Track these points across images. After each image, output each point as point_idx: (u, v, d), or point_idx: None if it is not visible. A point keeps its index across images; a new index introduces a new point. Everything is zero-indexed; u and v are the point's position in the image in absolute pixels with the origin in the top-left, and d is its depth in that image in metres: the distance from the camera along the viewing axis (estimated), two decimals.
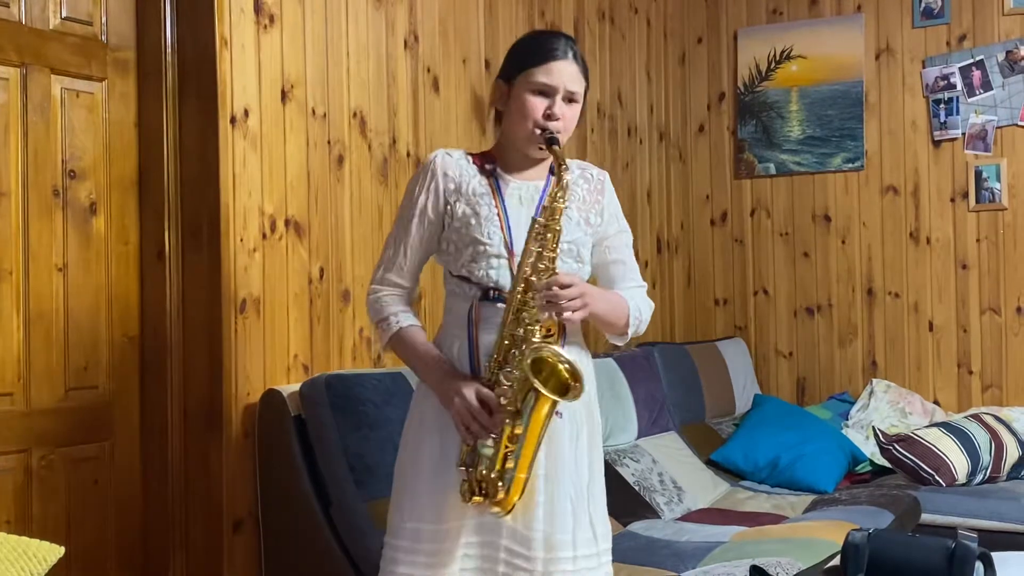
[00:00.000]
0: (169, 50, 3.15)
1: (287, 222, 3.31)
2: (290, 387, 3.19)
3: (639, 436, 4.45)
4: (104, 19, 3.10)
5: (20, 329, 2.86)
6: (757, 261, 5.80)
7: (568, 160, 2.48)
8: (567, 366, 2.20)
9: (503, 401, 2.22)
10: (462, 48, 4.12)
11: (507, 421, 2.21)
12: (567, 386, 2.19)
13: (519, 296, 2.26)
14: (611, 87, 5.26)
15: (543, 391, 2.17)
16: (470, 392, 2.26)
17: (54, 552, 2.21)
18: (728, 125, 5.89)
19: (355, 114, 3.59)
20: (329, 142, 3.48)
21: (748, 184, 5.83)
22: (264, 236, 3.23)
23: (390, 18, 3.76)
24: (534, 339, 2.24)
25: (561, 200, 2.29)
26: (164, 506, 3.14)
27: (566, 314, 2.24)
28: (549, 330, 2.30)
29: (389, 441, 3.15)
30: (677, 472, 4.41)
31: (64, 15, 2.99)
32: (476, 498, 2.24)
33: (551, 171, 2.46)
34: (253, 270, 3.18)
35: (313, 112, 3.42)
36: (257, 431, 3.18)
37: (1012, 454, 4.67)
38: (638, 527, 3.78)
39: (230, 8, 3.12)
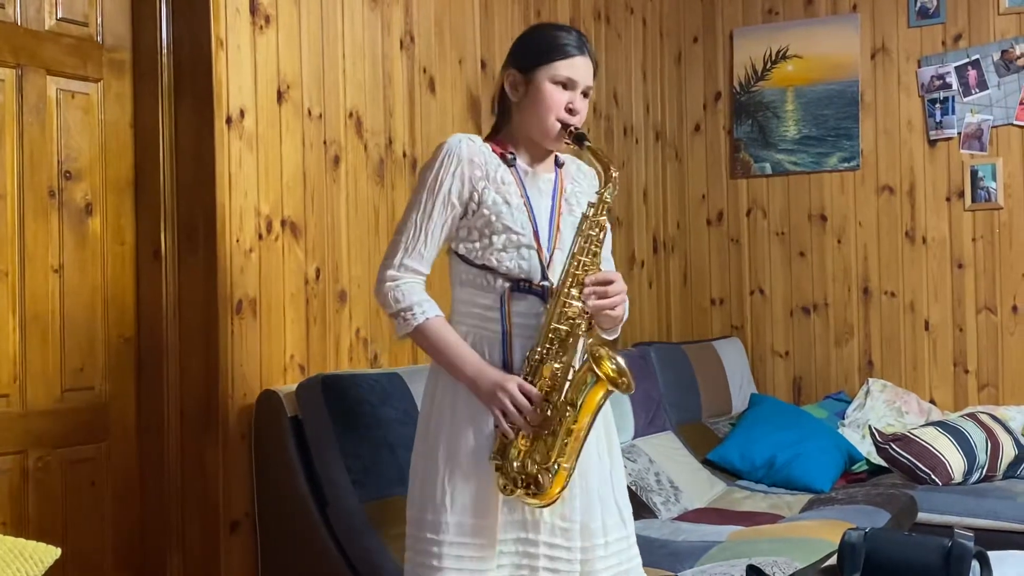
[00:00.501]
0: (165, 51, 3.15)
1: (283, 222, 3.31)
2: (286, 388, 3.19)
3: (636, 436, 4.46)
4: (100, 20, 3.10)
5: (16, 330, 2.86)
6: (753, 261, 5.81)
7: (561, 155, 2.51)
8: (615, 364, 2.23)
9: (553, 394, 2.25)
10: (458, 49, 4.12)
11: (567, 413, 2.23)
12: (616, 380, 2.23)
13: (566, 291, 2.27)
14: (607, 87, 5.26)
15: (603, 378, 2.20)
16: (513, 386, 2.25)
17: (50, 553, 2.21)
18: (724, 125, 5.90)
19: (351, 114, 3.59)
20: (325, 142, 3.48)
21: (744, 184, 5.84)
22: (260, 236, 3.22)
23: (386, 19, 3.76)
24: (580, 332, 2.27)
25: (609, 196, 2.31)
26: (161, 507, 3.14)
27: (611, 310, 2.29)
28: (589, 325, 2.32)
29: (386, 441, 3.15)
30: (674, 472, 4.41)
31: (60, 16, 2.99)
32: (518, 491, 2.25)
33: (556, 163, 2.49)
34: (249, 270, 3.18)
35: (309, 112, 3.42)
36: (253, 432, 3.18)
37: (1008, 453, 4.68)
38: (635, 527, 3.78)
39: (226, 8, 3.12)
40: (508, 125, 2.47)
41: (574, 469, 2.27)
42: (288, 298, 3.32)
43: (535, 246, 2.34)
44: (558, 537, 2.33)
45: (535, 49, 2.41)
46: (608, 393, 2.25)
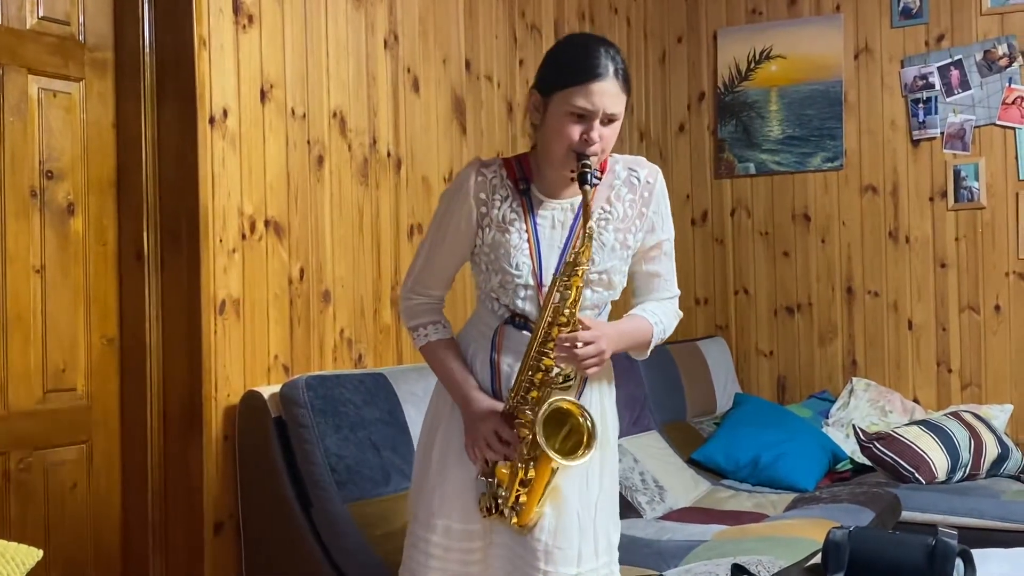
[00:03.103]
0: (147, 50, 3.13)
1: (267, 222, 3.30)
2: (270, 388, 3.17)
3: (621, 436, 4.42)
4: (82, 19, 3.08)
5: None
6: (737, 260, 5.82)
7: (618, 157, 2.41)
8: (588, 421, 2.21)
9: (521, 435, 2.24)
10: (442, 48, 4.11)
11: (520, 466, 2.23)
12: (580, 442, 2.20)
13: (539, 342, 2.24)
14: None
15: (550, 454, 2.17)
16: (488, 427, 2.28)
17: (32, 555, 2.19)
18: (708, 125, 5.90)
19: (335, 114, 3.58)
20: (309, 142, 3.47)
21: (728, 184, 5.84)
22: (243, 237, 3.21)
23: (370, 18, 3.75)
24: (551, 387, 2.25)
25: (584, 257, 2.21)
26: (143, 509, 3.12)
27: (584, 371, 2.26)
28: (566, 379, 2.28)
29: (370, 442, 3.14)
30: (659, 471, 4.42)
31: (41, 15, 2.97)
32: (493, 515, 2.29)
33: (589, 183, 2.34)
34: (232, 271, 3.17)
35: (292, 112, 3.41)
36: (237, 433, 3.16)
37: (991, 451, 4.70)
38: (620, 526, 3.78)
39: (208, 8, 3.11)
40: (536, 147, 2.40)
41: (541, 509, 2.27)
42: (272, 298, 3.31)
43: (533, 284, 2.31)
44: (527, 552, 2.32)
45: (555, 71, 2.30)
46: (556, 468, 2.22)
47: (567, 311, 2.22)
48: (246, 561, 3.18)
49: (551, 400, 2.21)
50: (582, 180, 2.21)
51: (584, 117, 2.24)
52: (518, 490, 2.24)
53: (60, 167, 3.01)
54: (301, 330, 3.42)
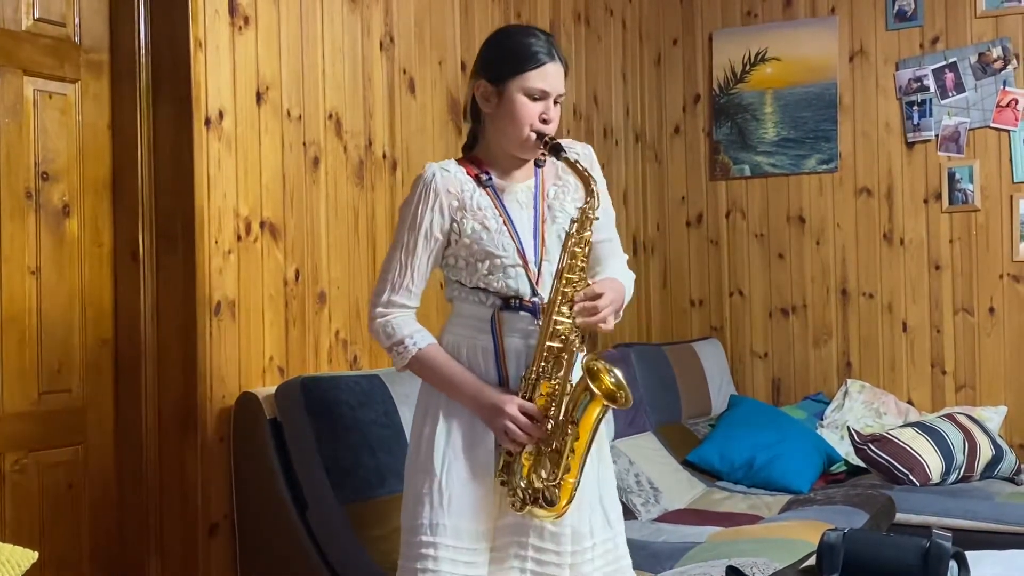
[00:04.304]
0: (143, 52, 3.13)
1: (262, 224, 3.30)
2: (265, 390, 3.18)
3: (616, 437, 4.46)
4: (77, 20, 3.08)
5: None
6: (732, 262, 5.82)
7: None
8: (613, 378, 2.27)
9: (552, 410, 2.28)
10: (438, 50, 4.12)
11: (568, 431, 2.26)
12: (614, 394, 2.26)
13: (556, 308, 2.29)
14: (587, 89, 5.26)
15: (599, 395, 2.23)
16: (513, 408, 2.28)
17: (27, 557, 2.19)
18: (703, 127, 5.91)
19: (330, 116, 3.58)
20: (304, 144, 3.47)
21: (723, 185, 5.85)
22: (239, 238, 3.21)
23: (366, 20, 3.75)
24: (575, 348, 2.29)
25: (592, 212, 2.32)
26: (139, 510, 3.12)
27: (603, 324, 2.31)
28: (583, 339, 2.34)
29: (365, 443, 3.14)
30: (653, 473, 4.42)
31: (37, 16, 2.97)
32: (529, 507, 2.29)
33: (537, 164, 2.46)
34: (228, 272, 3.17)
35: (288, 114, 3.41)
36: (232, 434, 3.16)
37: (985, 453, 4.71)
38: None
39: (204, 9, 3.11)
40: (483, 136, 2.48)
41: (580, 481, 2.30)
42: (267, 300, 3.31)
43: (521, 263, 2.36)
44: (548, 542, 2.35)
45: (505, 59, 2.40)
46: (606, 408, 2.27)
47: (580, 264, 2.31)
48: (241, 563, 3.18)
49: (587, 357, 2.28)
50: (556, 150, 2.34)
51: (540, 98, 2.36)
52: (569, 456, 2.26)
53: (56, 168, 3.01)
54: (296, 332, 3.42)
